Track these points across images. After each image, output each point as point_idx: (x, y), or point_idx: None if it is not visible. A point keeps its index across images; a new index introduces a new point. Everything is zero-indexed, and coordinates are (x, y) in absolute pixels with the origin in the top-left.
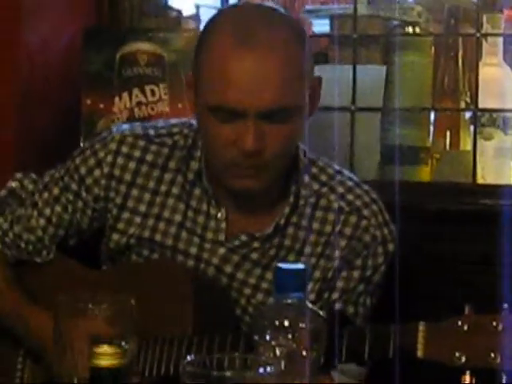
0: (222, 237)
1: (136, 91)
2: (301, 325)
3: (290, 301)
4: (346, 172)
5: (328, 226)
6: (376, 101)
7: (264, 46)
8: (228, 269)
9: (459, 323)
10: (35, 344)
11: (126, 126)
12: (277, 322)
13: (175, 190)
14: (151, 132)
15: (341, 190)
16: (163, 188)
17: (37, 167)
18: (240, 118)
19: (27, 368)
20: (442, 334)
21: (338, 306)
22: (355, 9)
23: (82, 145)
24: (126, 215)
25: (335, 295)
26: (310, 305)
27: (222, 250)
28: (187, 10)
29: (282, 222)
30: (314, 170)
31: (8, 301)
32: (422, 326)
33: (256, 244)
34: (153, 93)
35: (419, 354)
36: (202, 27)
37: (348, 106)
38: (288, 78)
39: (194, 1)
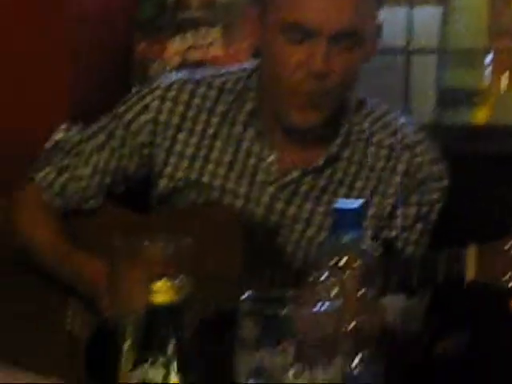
0: (272, 178)
1: (189, 35)
2: (357, 263)
3: (346, 239)
4: (397, 111)
5: (380, 162)
6: (432, 42)
7: None
8: (278, 206)
9: (509, 245)
10: (88, 291)
11: (173, 74)
12: (333, 261)
13: (224, 133)
14: (199, 76)
15: (393, 127)
16: (211, 130)
17: (90, 111)
18: (311, 39)
19: (77, 315)
20: (491, 257)
21: (397, 243)
22: None
23: (133, 89)
24: (173, 159)
25: (394, 233)
26: (366, 243)
27: (271, 189)
28: None
29: (334, 152)
30: (365, 108)
31: (59, 251)
32: (471, 249)
33: (306, 178)
34: (206, 36)
35: (468, 276)
36: None
37: (403, 48)
38: (358, 4)
39: None
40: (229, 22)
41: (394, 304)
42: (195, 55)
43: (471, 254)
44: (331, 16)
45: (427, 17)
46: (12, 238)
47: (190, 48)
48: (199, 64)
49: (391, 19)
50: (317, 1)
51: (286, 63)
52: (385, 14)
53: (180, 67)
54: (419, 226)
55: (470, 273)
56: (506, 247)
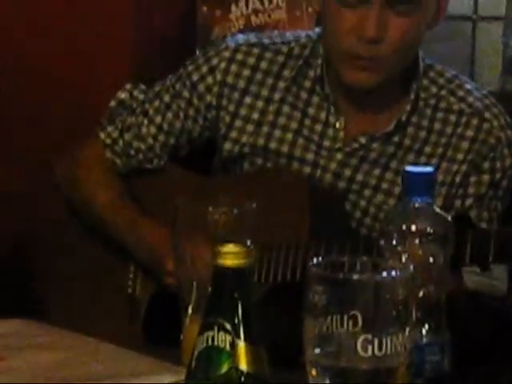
0: (339, 144)
1: None
2: (428, 229)
3: (417, 205)
4: (463, 77)
5: (449, 127)
6: (498, 10)
7: None
8: (347, 172)
9: None
10: (147, 257)
11: (240, 36)
12: (404, 227)
13: (290, 98)
14: (266, 41)
15: (460, 92)
16: (277, 96)
17: (153, 74)
18: (365, 3)
19: (139, 277)
20: None
21: (472, 212)
22: None
23: (197, 52)
24: (238, 123)
25: (468, 201)
26: (437, 209)
27: (339, 156)
28: None
29: (404, 119)
30: (432, 73)
31: (120, 213)
32: None
33: (375, 144)
34: (270, 0)
35: None
36: None
37: (470, 15)
38: None
39: None
40: None
41: (467, 276)
42: (258, 19)
43: None
44: None
45: None
46: (69, 194)
47: (253, 12)
48: (262, 28)
49: None
50: None
51: (340, 27)
52: None
53: (243, 31)
54: (492, 191)
55: None
56: None
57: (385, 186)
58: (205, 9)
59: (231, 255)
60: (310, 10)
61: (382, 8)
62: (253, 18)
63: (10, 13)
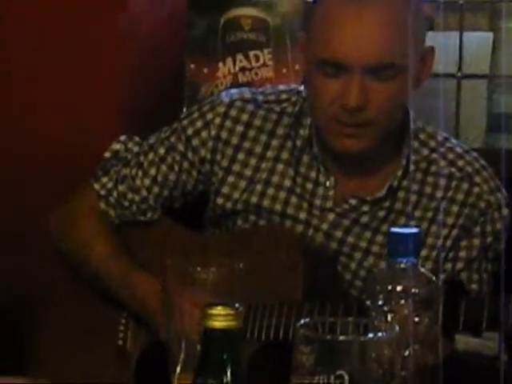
0: (330, 204)
1: (240, 56)
2: (414, 290)
3: (402, 265)
4: (454, 139)
5: (439, 192)
6: (482, 68)
7: (372, 3)
8: (338, 234)
9: None
10: (141, 310)
11: (234, 91)
12: (389, 287)
13: (284, 156)
14: (260, 97)
15: (451, 156)
16: (270, 153)
17: (141, 132)
18: (346, 73)
19: (130, 330)
20: None
21: (463, 275)
22: None
23: (185, 109)
24: (231, 179)
25: (459, 265)
26: (422, 270)
27: (331, 216)
28: None
29: (395, 184)
30: (423, 136)
31: (114, 266)
32: None
33: (366, 207)
34: (257, 58)
35: None
36: None
37: (454, 73)
38: (394, 35)
39: None
40: (280, 44)
41: (459, 338)
42: (245, 77)
43: None
44: (363, 50)
45: (478, 42)
46: (63, 244)
47: (240, 70)
48: (250, 86)
49: (442, 44)
50: (348, 35)
51: (322, 96)
52: (435, 39)
53: (230, 89)
54: (483, 254)
55: None
56: None
57: (375, 249)
58: (192, 66)
59: (220, 317)
60: (296, 67)
61: (362, 76)
62: (240, 75)
63: None
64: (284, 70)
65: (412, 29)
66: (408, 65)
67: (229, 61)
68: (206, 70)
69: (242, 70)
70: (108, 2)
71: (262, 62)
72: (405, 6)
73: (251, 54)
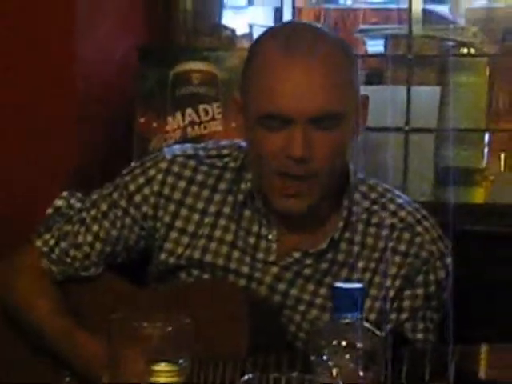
0: (272, 257)
1: (189, 110)
2: (358, 345)
3: (347, 320)
4: (395, 190)
5: (381, 242)
6: (430, 122)
7: (310, 54)
8: (281, 287)
9: None
10: (84, 370)
11: (176, 147)
12: (334, 342)
13: (226, 210)
14: (201, 153)
15: (392, 207)
16: (213, 208)
17: (89, 183)
18: (288, 125)
19: None
20: (505, 356)
21: (408, 324)
22: (410, 29)
23: (133, 163)
24: (174, 235)
25: (404, 315)
26: (367, 324)
27: (274, 269)
28: (240, 30)
29: (337, 236)
30: (364, 188)
31: (57, 324)
32: (484, 347)
33: (309, 260)
34: (206, 112)
35: (481, 375)
36: None
37: (402, 127)
38: (334, 84)
39: (248, 20)
40: (229, 98)
41: None
42: (194, 131)
43: (483, 352)
44: (304, 102)
45: (426, 96)
46: (4, 300)
47: (189, 124)
48: (199, 139)
49: (390, 98)
50: (288, 89)
51: (266, 150)
52: (384, 93)
53: (180, 142)
54: (427, 303)
55: (482, 372)
56: None
57: (319, 301)
58: (142, 120)
59: (164, 374)
60: None
61: (305, 126)
62: (189, 129)
63: None
64: (233, 124)
65: (351, 78)
66: (348, 114)
67: (178, 115)
68: (155, 124)
69: (192, 123)
70: (57, 53)
71: (211, 115)
72: (341, 57)
73: (200, 107)
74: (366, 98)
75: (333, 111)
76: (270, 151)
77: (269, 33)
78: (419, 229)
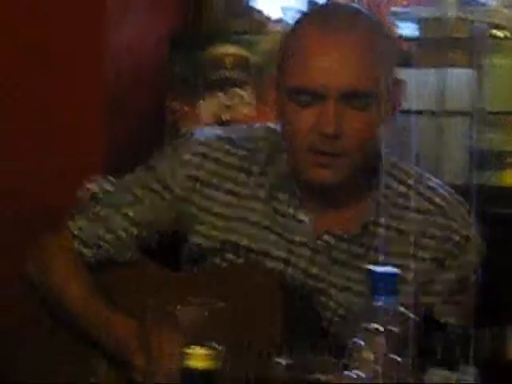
0: (308, 239)
1: (221, 94)
2: (394, 329)
3: (382, 304)
4: (428, 175)
5: (415, 227)
6: (463, 105)
7: (346, 32)
8: (315, 271)
9: None
10: (116, 351)
11: (208, 129)
12: (370, 326)
13: (262, 194)
14: (234, 136)
15: (426, 191)
16: (248, 191)
17: (122, 169)
18: (320, 101)
19: (103, 369)
20: None
21: (440, 308)
22: (443, 12)
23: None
24: (208, 218)
25: (436, 299)
26: (402, 308)
27: (308, 253)
28: (273, 13)
29: (370, 221)
30: (397, 171)
31: (89, 306)
32: None
33: (343, 244)
34: (238, 96)
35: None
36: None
37: (435, 110)
38: (368, 63)
39: (280, 3)
40: (261, 82)
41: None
42: (227, 115)
43: None
44: (337, 77)
45: (459, 79)
46: (38, 283)
47: (222, 107)
48: (231, 123)
49: (423, 81)
50: (321, 62)
51: (298, 126)
52: (416, 76)
53: (212, 127)
54: (458, 287)
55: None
56: None
57: (354, 286)
58: (174, 105)
59: (199, 357)
60: None
61: (337, 103)
62: (221, 113)
63: None
64: (265, 108)
65: (386, 59)
66: (381, 95)
67: (210, 98)
68: (187, 108)
69: (224, 108)
70: (88, 39)
71: (243, 100)
72: (379, 36)
73: (232, 91)
74: (402, 81)
75: (365, 90)
76: (302, 127)
77: (309, 11)
78: (452, 214)
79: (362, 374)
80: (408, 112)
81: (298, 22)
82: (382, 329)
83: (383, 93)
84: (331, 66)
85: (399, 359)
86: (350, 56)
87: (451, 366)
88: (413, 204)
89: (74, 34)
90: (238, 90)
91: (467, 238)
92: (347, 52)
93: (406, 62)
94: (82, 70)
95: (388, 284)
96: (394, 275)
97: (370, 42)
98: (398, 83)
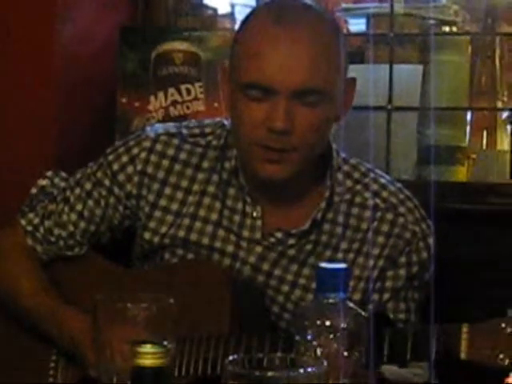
0: (258, 235)
1: (171, 90)
2: (342, 324)
3: (331, 300)
4: (378, 170)
5: (364, 223)
6: (412, 100)
7: (299, 28)
8: (265, 267)
9: (503, 325)
10: (71, 347)
11: (159, 125)
12: (318, 322)
13: (211, 189)
14: (185, 131)
15: (375, 187)
16: (197, 187)
17: (72, 164)
18: (271, 97)
19: (60, 367)
20: (485, 336)
21: (390, 304)
22: (392, 7)
23: (116, 142)
24: (158, 214)
25: (386, 295)
26: (351, 304)
27: (258, 249)
28: (222, 9)
29: (319, 217)
30: (347, 167)
31: (42, 302)
32: (465, 328)
33: (292, 240)
34: (188, 92)
35: (462, 355)
36: (237, 26)
37: (384, 106)
38: (321, 61)
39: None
40: (212, 78)
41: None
42: (177, 110)
43: (464, 332)
44: (289, 74)
45: (408, 75)
46: None
47: (171, 103)
48: (181, 119)
49: (372, 76)
50: (273, 59)
51: (248, 120)
52: (366, 72)
53: (162, 122)
54: (409, 283)
55: (463, 352)
56: (502, 325)
57: (302, 281)
58: (124, 100)
59: (149, 355)
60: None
61: (288, 100)
62: (171, 109)
63: None
64: (215, 104)
65: (337, 56)
66: (332, 93)
67: (160, 94)
68: (137, 104)
69: (174, 103)
70: (38, 34)
71: (193, 95)
72: (330, 35)
73: (183, 87)
74: (353, 80)
75: (317, 87)
76: (252, 122)
77: (260, 6)
78: (402, 209)
79: (312, 370)
80: (357, 108)
81: (249, 17)
82: (329, 324)
83: (335, 90)
84: (283, 62)
85: (347, 354)
86: (302, 53)
87: (400, 361)
88: (362, 200)
89: (24, 27)
90: (188, 85)
91: (417, 235)
92: (299, 49)
93: (356, 58)
94: (32, 64)
95: (337, 279)
96: (342, 270)
97: (323, 39)
98: (350, 80)
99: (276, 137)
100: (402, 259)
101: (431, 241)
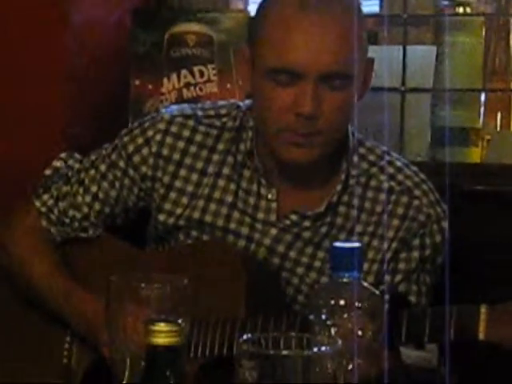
0: (273, 217)
1: (184, 72)
2: (356, 304)
3: (345, 280)
4: (393, 153)
5: (379, 206)
6: (426, 82)
7: (322, 11)
8: (280, 249)
9: None
10: (84, 328)
11: (174, 107)
12: (332, 302)
13: (226, 171)
14: (200, 113)
15: (390, 170)
16: (212, 169)
17: (86, 147)
18: (299, 81)
19: (74, 348)
20: (504, 317)
21: (402, 286)
22: None
23: (129, 125)
24: (173, 195)
25: (398, 277)
26: (365, 284)
27: (273, 231)
28: None
29: (334, 199)
30: (363, 150)
31: (56, 284)
32: (483, 308)
33: (307, 223)
34: (201, 74)
35: (480, 336)
36: (250, 8)
37: (398, 87)
38: (346, 44)
39: None
40: (225, 60)
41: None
42: (190, 92)
43: (483, 313)
44: (317, 58)
45: (422, 56)
46: (3, 261)
47: (184, 85)
48: (194, 101)
49: (386, 58)
50: (301, 43)
51: (275, 106)
52: (379, 53)
53: (175, 104)
54: (421, 266)
55: (481, 333)
56: None
57: (317, 264)
58: (137, 82)
59: (163, 334)
60: (240, 82)
61: (316, 84)
62: (184, 91)
63: None
64: (228, 86)
65: (359, 40)
66: (354, 75)
67: (173, 76)
68: (150, 86)
69: (187, 85)
70: (50, 15)
71: (206, 77)
72: (354, 17)
73: (196, 69)
74: (372, 60)
75: (344, 70)
76: (279, 107)
77: None
78: (417, 192)
79: (327, 349)
80: (371, 89)
81: (269, 2)
82: (343, 303)
83: (359, 73)
84: (311, 46)
85: (361, 333)
86: (328, 37)
87: (418, 343)
88: (377, 183)
89: (35, 11)
90: (201, 67)
91: (432, 218)
92: (325, 32)
93: (369, 39)
94: (44, 46)
95: (351, 258)
96: (356, 249)
97: (347, 22)
98: (369, 60)
99: (304, 121)
100: (416, 241)
101: (445, 224)
